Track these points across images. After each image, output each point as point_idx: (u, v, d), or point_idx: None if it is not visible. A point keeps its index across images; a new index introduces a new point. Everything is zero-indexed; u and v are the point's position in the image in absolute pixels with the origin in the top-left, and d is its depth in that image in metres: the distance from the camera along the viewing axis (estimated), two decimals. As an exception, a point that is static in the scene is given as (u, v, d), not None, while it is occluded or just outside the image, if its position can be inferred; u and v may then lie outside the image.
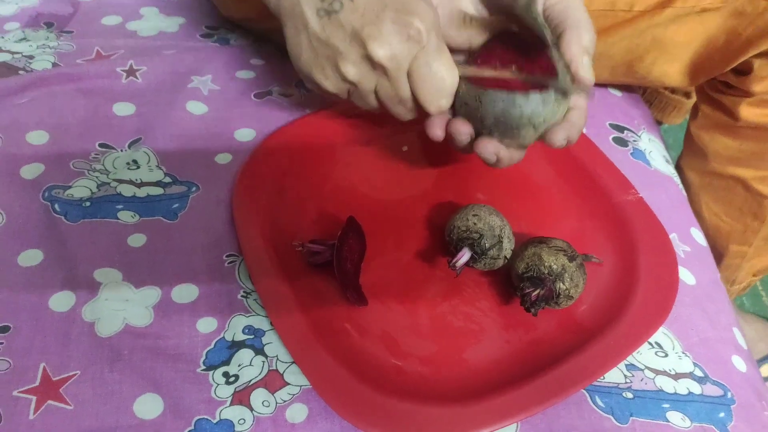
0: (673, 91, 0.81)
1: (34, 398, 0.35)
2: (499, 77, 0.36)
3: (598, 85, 0.59)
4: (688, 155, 0.61)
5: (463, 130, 0.37)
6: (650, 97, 0.83)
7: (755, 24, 0.44)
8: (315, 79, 0.37)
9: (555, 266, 0.38)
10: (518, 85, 0.35)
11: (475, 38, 0.39)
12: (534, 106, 0.34)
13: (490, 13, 0.40)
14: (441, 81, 0.36)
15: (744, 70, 0.49)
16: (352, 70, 0.36)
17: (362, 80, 0.36)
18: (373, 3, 0.34)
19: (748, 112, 0.51)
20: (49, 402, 0.35)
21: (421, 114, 0.39)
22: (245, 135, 0.50)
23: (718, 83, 0.53)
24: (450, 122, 0.38)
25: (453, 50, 0.38)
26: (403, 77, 0.36)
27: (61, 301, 0.39)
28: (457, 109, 0.38)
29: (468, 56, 0.40)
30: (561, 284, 0.38)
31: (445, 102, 0.37)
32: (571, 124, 0.36)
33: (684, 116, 0.84)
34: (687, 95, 0.81)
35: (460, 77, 0.37)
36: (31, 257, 0.41)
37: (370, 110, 0.40)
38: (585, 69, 0.35)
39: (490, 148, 0.37)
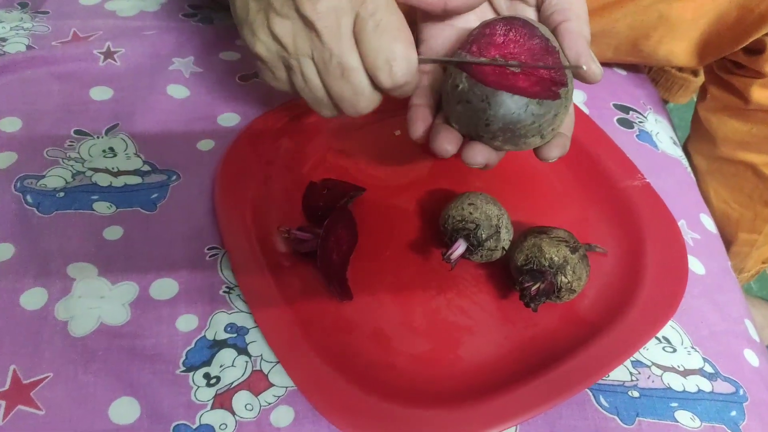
0: (680, 69, 0.78)
1: (4, 403, 0.33)
2: (500, 71, 0.31)
3: (602, 64, 0.56)
4: (695, 139, 0.59)
5: (449, 149, 0.31)
6: (656, 75, 0.81)
7: None
8: (244, 39, 0.32)
9: (556, 258, 0.35)
10: (521, 82, 0.30)
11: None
12: (547, 114, 0.30)
13: None
14: (391, 46, 0.30)
15: (756, 49, 0.47)
16: (281, 25, 0.30)
17: (294, 41, 0.30)
18: None
19: (759, 94, 0.49)
20: (19, 407, 0.33)
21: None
22: (229, 119, 0.47)
23: (728, 63, 0.51)
24: (437, 132, 0.32)
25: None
26: (340, 40, 0.30)
27: (33, 298, 0.37)
28: (448, 105, 0.32)
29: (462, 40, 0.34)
30: (563, 277, 0.35)
31: (401, 74, 0.30)
32: (565, 137, 0.33)
33: (691, 95, 0.82)
34: (695, 73, 0.78)
35: (455, 68, 0.32)
36: (1, 251, 0.39)
37: (318, 103, 0.33)
38: (596, 63, 0.32)
39: (479, 158, 0.32)
